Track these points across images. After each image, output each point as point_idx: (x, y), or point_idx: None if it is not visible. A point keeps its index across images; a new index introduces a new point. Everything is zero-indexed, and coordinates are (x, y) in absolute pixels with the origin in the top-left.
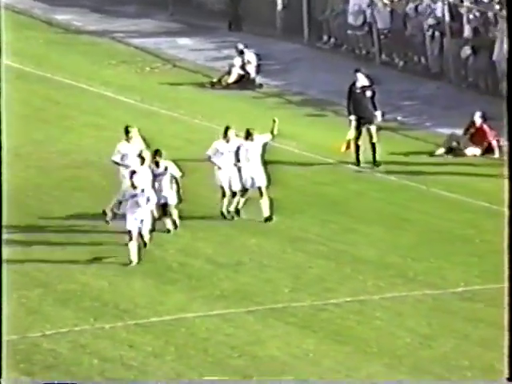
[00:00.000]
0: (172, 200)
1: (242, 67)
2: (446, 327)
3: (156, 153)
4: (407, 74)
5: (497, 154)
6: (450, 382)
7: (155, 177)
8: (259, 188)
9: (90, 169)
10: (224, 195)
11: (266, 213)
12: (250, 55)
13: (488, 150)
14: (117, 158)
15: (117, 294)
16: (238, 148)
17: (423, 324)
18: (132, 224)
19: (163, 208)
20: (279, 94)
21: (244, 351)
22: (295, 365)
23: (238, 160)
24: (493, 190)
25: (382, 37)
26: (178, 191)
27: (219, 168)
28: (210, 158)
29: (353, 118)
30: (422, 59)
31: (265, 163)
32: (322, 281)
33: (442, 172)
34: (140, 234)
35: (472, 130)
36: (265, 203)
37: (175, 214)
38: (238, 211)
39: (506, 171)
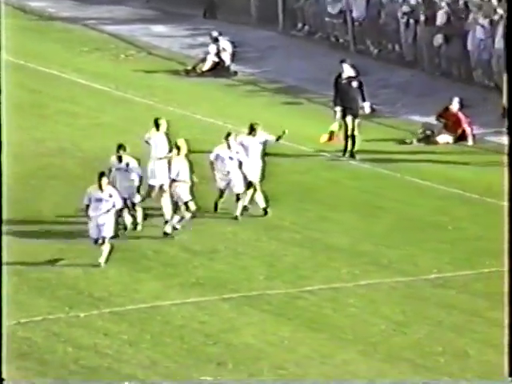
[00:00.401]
0: (136, 198)
1: (217, 55)
2: (419, 314)
3: (120, 147)
4: (381, 62)
5: (470, 142)
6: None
7: (117, 171)
8: (252, 182)
9: (65, 156)
10: (221, 196)
11: (262, 205)
12: (224, 43)
13: (461, 137)
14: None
15: (91, 282)
16: (241, 144)
17: (397, 311)
18: (94, 231)
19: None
20: (254, 81)
21: (219, 339)
22: (270, 352)
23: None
24: (465, 177)
25: (356, 24)
26: (138, 189)
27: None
28: (211, 163)
29: (338, 109)
30: (396, 47)
31: (264, 159)
32: (296, 268)
33: (415, 160)
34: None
35: (447, 117)
36: (259, 197)
37: (140, 212)
38: (245, 207)
39: (478, 159)
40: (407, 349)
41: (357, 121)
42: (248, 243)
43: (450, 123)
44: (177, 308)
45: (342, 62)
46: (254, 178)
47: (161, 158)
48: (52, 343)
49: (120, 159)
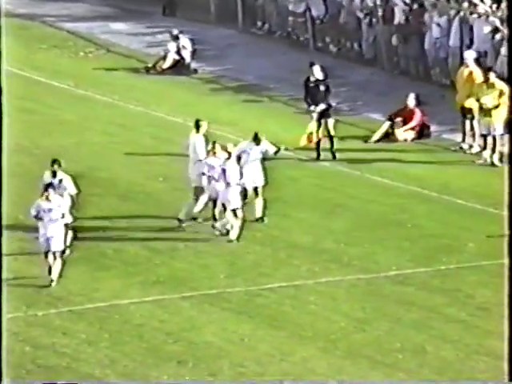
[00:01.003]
0: (67, 218)
1: (177, 52)
2: (378, 311)
3: (54, 162)
4: (341, 61)
5: (427, 139)
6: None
7: (49, 187)
8: (256, 188)
9: (22, 154)
10: (215, 206)
11: (259, 213)
12: (184, 40)
13: (419, 135)
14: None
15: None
16: (243, 152)
17: (357, 308)
18: (44, 244)
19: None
20: (214, 79)
21: (179, 337)
22: (230, 350)
23: (238, 161)
24: (423, 175)
25: (317, 23)
26: (71, 209)
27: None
28: (203, 174)
29: (313, 108)
30: (356, 46)
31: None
32: (257, 266)
33: (375, 157)
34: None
35: (405, 114)
36: (259, 203)
37: (69, 234)
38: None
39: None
40: (367, 345)
41: (330, 121)
42: (209, 241)
43: (408, 119)
44: (136, 307)
45: (312, 65)
46: (259, 183)
47: (200, 160)
48: (9, 342)
49: (54, 174)
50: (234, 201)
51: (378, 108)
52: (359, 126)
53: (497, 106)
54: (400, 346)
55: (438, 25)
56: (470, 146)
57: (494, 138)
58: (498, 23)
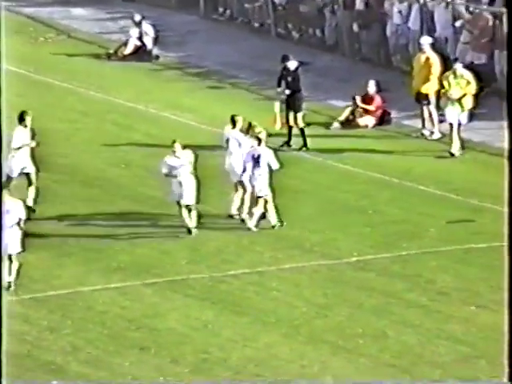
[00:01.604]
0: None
1: (139, 38)
2: (340, 297)
3: None
4: (302, 47)
5: (388, 125)
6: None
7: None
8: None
9: None
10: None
11: (274, 220)
12: (146, 26)
13: (380, 121)
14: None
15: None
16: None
17: (319, 294)
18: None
19: None
20: (176, 65)
21: (142, 324)
22: (194, 336)
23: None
24: (385, 161)
25: (280, 9)
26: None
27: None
28: (166, 175)
29: (279, 89)
30: (317, 32)
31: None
32: (220, 252)
33: (337, 144)
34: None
35: (366, 101)
36: (271, 210)
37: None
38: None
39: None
40: (328, 331)
41: (299, 114)
42: (171, 228)
43: (369, 105)
44: (99, 293)
45: (285, 57)
46: (264, 189)
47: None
48: None
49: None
50: (264, 188)
51: (340, 94)
52: (321, 113)
53: (463, 96)
54: (361, 332)
55: (399, 11)
56: (431, 133)
57: (459, 127)
58: (462, 9)
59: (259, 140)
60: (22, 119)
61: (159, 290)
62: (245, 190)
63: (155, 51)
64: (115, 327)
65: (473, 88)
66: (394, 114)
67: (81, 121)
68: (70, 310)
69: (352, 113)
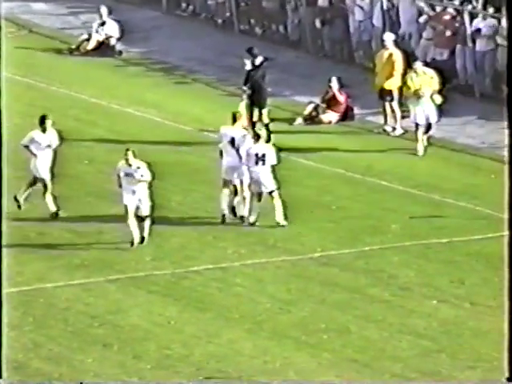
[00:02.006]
0: None
1: (102, 34)
2: (303, 292)
3: None
4: (266, 43)
5: (351, 122)
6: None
7: None
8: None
9: None
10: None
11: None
12: (110, 22)
13: (344, 116)
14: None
15: None
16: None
17: (282, 290)
18: None
19: None
20: (140, 61)
21: (105, 320)
22: (157, 332)
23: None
24: (347, 157)
25: (242, 5)
26: None
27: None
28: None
29: (245, 87)
30: (281, 28)
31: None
32: (183, 249)
33: (300, 140)
34: None
35: (328, 97)
36: (278, 208)
37: None
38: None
39: (359, 139)
40: (292, 326)
41: (264, 111)
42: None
43: (332, 102)
44: (61, 290)
45: (249, 50)
46: (271, 184)
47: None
48: None
49: None
50: (270, 183)
51: (303, 90)
52: (284, 109)
53: (433, 93)
54: (324, 327)
55: (361, 7)
56: (393, 129)
57: (429, 128)
58: (422, 4)
59: (258, 136)
60: (42, 122)
61: (122, 286)
62: (244, 189)
63: (118, 46)
64: (78, 324)
65: (436, 82)
66: (356, 110)
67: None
68: (31, 307)
69: (315, 109)
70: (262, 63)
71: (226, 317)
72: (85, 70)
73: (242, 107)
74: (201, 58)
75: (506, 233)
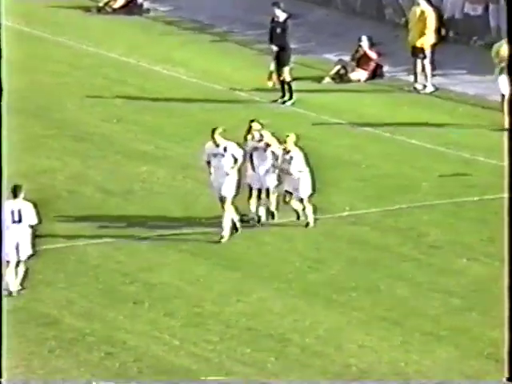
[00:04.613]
0: None
1: None
2: (333, 251)
3: (15, 189)
4: (296, 0)
5: (380, 80)
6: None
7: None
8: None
9: None
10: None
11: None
12: None
13: (373, 75)
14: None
15: None
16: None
17: (312, 248)
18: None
19: None
20: (168, 19)
21: (136, 278)
22: (187, 290)
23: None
24: (377, 115)
25: None
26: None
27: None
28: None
29: (274, 48)
30: None
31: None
32: (213, 209)
33: (329, 98)
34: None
35: (358, 55)
36: (309, 210)
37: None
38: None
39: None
40: (321, 285)
41: (286, 68)
42: (164, 183)
43: (362, 60)
44: (92, 248)
45: (274, 4)
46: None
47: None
48: None
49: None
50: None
51: (332, 48)
52: (313, 67)
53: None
54: (354, 285)
55: None
56: (424, 86)
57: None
58: None
59: (267, 145)
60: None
61: (153, 245)
62: (269, 195)
63: (146, 4)
64: (109, 281)
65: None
66: (386, 68)
67: (71, 74)
68: (63, 264)
69: (344, 67)
70: (285, 20)
71: (256, 275)
72: (113, 28)
73: (272, 67)
74: (230, 15)
75: None
